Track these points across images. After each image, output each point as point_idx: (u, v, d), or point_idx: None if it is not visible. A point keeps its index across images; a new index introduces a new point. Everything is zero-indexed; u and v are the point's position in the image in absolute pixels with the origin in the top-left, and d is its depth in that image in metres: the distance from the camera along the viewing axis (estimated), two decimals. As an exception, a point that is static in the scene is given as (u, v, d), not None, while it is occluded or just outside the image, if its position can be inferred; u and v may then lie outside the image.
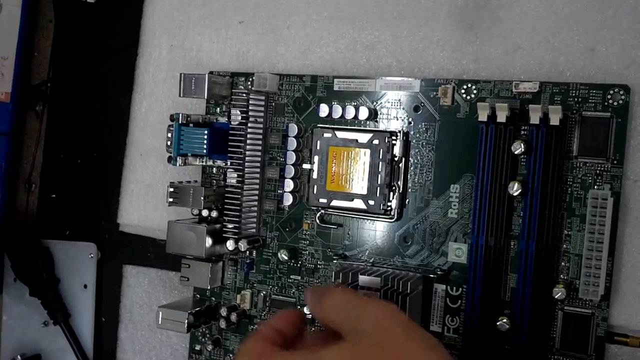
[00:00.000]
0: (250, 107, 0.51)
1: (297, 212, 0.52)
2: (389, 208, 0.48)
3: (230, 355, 0.55)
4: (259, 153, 0.53)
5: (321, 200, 0.50)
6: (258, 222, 0.53)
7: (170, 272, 0.60)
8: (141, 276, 0.62)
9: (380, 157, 0.48)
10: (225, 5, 0.58)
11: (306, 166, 0.51)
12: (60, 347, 0.63)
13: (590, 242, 0.43)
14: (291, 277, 0.53)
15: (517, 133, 0.45)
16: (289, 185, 0.51)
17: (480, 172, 0.45)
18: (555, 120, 0.43)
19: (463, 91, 0.47)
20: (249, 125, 0.51)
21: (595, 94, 0.44)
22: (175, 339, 0.60)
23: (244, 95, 0.51)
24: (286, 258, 0.52)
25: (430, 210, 0.48)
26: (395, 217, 0.48)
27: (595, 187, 0.44)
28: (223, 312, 0.53)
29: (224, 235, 0.51)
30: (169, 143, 0.52)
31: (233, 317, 0.53)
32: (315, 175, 0.50)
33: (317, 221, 0.51)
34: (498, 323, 0.45)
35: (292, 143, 0.51)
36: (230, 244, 0.51)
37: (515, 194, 0.44)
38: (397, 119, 0.49)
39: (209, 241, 0.51)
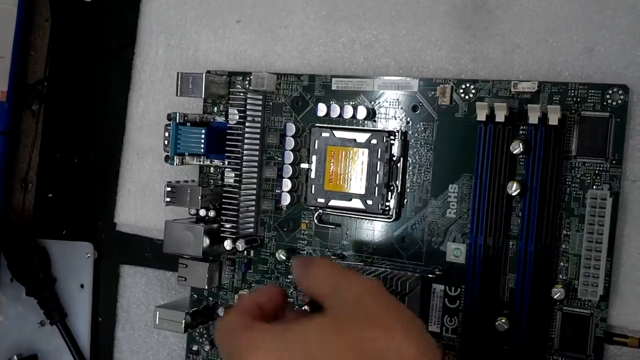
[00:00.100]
0: (247, 107, 0.51)
1: (295, 212, 0.52)
2: (387, 208, 0.48)
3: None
4: (257, 152, 0.52)
5: (319, 200, 0.50)
6: (256, 222, 0.53)
7: (168, 272, 0.60)
8: (138, 276, 0.62)
9: (379, 156, 0.48)
10: (222, 4, 0.58)
11: (304, 166, 0.51)
12: (56, 347, 0.63)
13: (589, 242, 0.43)
14: (289, 277, 0.52)
15: (515, 133, 0.45)
16: (287, 184, 0.51)
17: (478, 172, 0.45)
18: (554, 120, 0.43)
19: (461, 91, 0.47)
20: (247, 124, 0.51)
21: (594, 94, 0.44)
22: (172, 339, 0.60)
23: (242, 94, 0.51)
24: (284, 258, 0.52)
25: (428, 210, 0.48)
26: (394, 217, 0.48)
27: (594, 187, 0.44)
28: (220, 312, 0.53)
29: (221, 235, 0.51)
30: (166, 142, 0.52)
31: (230, 317, 0.53)
32: (313, 175, 0.50)
33: (315, 221, 0.51)
34: (497, 323, 0.45)
35: (290, 142, 0.51)
36: (227, 244, 0.51)
37: (513, 193, 0.44)
38: (395, 119, 0.49)
39: (206, 241, 0.51)
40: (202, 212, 0.53)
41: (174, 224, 0.52)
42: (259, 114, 0.52)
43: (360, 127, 0.50)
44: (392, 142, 0.48)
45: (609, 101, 0.43)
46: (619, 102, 0.43)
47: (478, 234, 0.45)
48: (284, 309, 0.36)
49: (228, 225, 0.51)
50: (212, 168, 0.55)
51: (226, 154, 0.51)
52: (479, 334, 0.45)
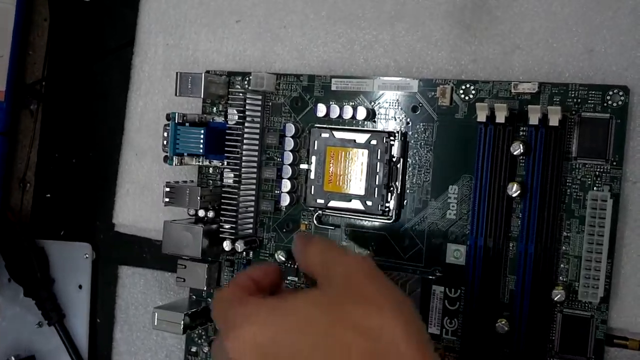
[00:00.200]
0: (247, 107, 0.51)
1: (295, 213, 0.52)
2: (387, 209, 0.48)
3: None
4: (256, 153, 0.52)
5: (319, 200, 0.49)
6: (255, 223, 0.53)
7: (166, 272, 0.60)
8: (137, 277, 0.62)
9: (378, 157, 0.48)
10: (222, 4, 0.58)
11: (303, 166, 0.51)
12: (54, 348, 0.63)
13: (590, 243, 0.42)
14: (288, 278, 0.52)
15: (516, 134, 0.45)
16: (286, 185, 0.51)
17: (478, 173, 0.45)
18: (554, 121, 0.43)
19: (461, 91, 0.47)
20: (246, 125, 0.51)
21: (594, 95, 0.44)
22: (170, 340, 0.60)
23: (241, 94, 0.51)
24: (283, 259, 0.52)
25: (428, 212, 0.48)
26: (394, 218, 0.48)
27: (595, 188, 0.43)
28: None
29: (220, 235, 0.51)
30: (165, 142, 0.52)
31: (229, 318, 0.52)
32: (312, 176, 0.50)
33: (315, 222, 0.51)
34: (497, 325, 0.44)
35: (290, 143, 0.51)
36: (226, 245, 0.51)
37: (514, 195, 0.44)
38: (395, 119, 0.49)
39: (205, 242, 0.51)
40: (201, 213, 0.53)
41: (172, 225, 0.52)
42: (259, 114, 0.52)
43: (360, 128, 0.50)
44: (392, 142, 0.48)
45: (610, 102, 0.43)
46: (620, 103, 0.43)
47: (478, 235, 0.45)
48: (279, 284, 0.37)
49: (227, 226, 0.51)
50: (211, 168, 0.55)
51: (225, 155, 0.51)
52: (479, 336, 0.45)
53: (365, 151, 0.48)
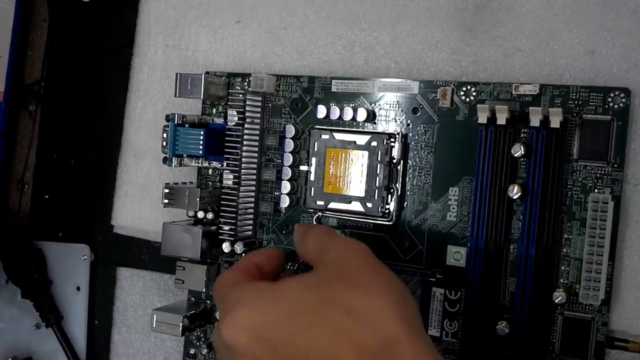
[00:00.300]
0: (246, 108, 0.50)
1: (294, 215, 0.52)
2: (387, 211, 0.48)
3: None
4: (256, 154, 0.52)
5: (318, 202, 0.49)
6: (254, 225, 0.53)
7: (165, 274, 0.59)
8: (135, 278, 0.61)
9: (379, 159, 0.47)
10: (222, 5, 0.57)
11: (303, 168, 0.51)
12: (52, 350, 0.62)
13: (591, 246, 0.42)
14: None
15: (516, 136, 0.45)
16: (286, 187, 0.51)
17: (479, 175, 0.45)
18: (555, 122, 0.43)
19: (462, 93, 0.47)
20: (246, 126, 0.51)
21: (595, 97, 0.44)
22: (169, 342, 0.59)
23: (241, 95, 0.50)
24: (283, 261, 0.52)
25: (428, 213, 0.48)
26: (394, 220, 0.48)
27: (596, 190, 0.43)
28: (218, 315, 0.53)
29: (219, 237, 0.51)
30: (164, 143, 0.52)
31: (228, 320, 0.52)
32: (312, 177, 0.49)
33: (315, 223, 0.51)
34: (497, 327, 0.44)
35: (289, 144, 0.51)
36: (226, 246, 0.51)
37: (514, 197, 0.44)
38: (396, 121, 0.49)
39: (204, 243, 0.51)
40: (200, 214, 0.52)
41: (171, 226, 0.51)
42: (258, 115, 0.52)
43: (360, 130, 0.49)
44: (392, 144, 0.48)
45: (611, 104, 0.43)
46: (621, 105, 0.43)
47: (479, 237, 0.45)
48: (282, 270, 0.38)
49: (226, 228, 0.51)
50: (210, 170, 0.55)
51: (225, 156, 0.50)
52: (480, 338, 0.45)
53: (366, 153, 0.48)
